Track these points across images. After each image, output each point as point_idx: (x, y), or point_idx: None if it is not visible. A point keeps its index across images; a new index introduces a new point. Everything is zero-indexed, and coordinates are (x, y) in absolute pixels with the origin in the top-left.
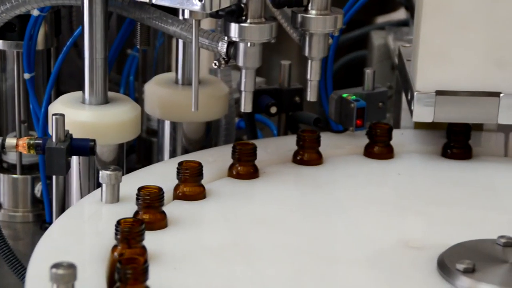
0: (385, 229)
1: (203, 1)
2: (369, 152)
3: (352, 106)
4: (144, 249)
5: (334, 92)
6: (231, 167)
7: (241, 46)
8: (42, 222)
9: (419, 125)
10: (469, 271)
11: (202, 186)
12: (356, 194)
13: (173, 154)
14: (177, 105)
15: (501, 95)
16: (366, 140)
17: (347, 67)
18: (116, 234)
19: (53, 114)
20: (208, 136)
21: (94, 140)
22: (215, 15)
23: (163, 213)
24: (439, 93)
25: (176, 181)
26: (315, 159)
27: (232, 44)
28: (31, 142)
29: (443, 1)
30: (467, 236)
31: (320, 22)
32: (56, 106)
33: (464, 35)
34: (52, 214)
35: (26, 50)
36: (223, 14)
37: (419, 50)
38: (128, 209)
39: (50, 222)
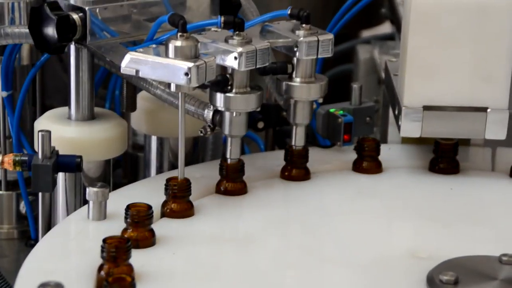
0: (374, 244)
1: (189, 76)
2: (357, 167)
3: (339, 121)
4: (130, 267)
5: (321, 107)
6: (218, 184)
7: (227, 115)
8: (27, 239)
9: (406, 140)
10: (450, 283)
11: (191, 203)
12: (345, 209)
13: (160, 170)
14: (164, 121)
15: (488, 110)
16: (353, 155)
17: (333, 80)
18: (102, 253)
19: (39, 130)
20: (195, 151)
21: (80, 157)
22: (200, 85)
23: (152, 231)
24: (426, 108)
25: (164, 197)
26: (303, 175)
27: (217, 112)
28: (17, 159)
29: (430, 16)
30: (455, 250)
31: (305, 90)
32: (42, 122)
33: (452, 51)
34: (38, 231)
35: (4, 68)
36: (209, 85)
37: (407, 65)
38: (115, 226)
39: (35, 239)
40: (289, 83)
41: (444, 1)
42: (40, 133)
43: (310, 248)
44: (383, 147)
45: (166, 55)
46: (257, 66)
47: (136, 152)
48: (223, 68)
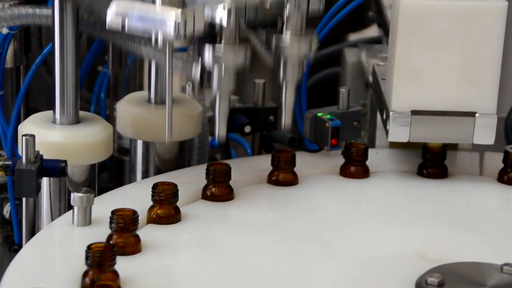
0: (362, 248)
1: (176, 24)
2: (345, 172)
3: (327, 125)
4: (116, 274)
5: (308, 111)
6: (205, 188)
7: (215, 68)
8: (10, 244)
9: (394, 144)
10: (435, 285)
11: (177, 208)
12: (332, 214)
13: (145, 174)
14: (150, 125)
15: (477, 115)
16: (341, 160)
17: (320, 84)
18: (86, 259)
19: (23, 135)
20: (181, 155)
21: (65, 161)
22: (188, 38)
23: (137, 236)
24: (414, 113)
25: (149, 203)
26: (291, 180)
27: (205, 68)
28: (0, 163)
29: (418, 21)
30: (444, 255)
31: (295, 44)
32: (26, 126)
33: (440, 55)
34: (22, 236)
35: None
36: (197, 38)
37: (394, 70)
38: (100, 232)
39: (19, 244)
40: (279, 37)
41: (432, 6)
42: (24, 138)
43: (297, 253)
44: (370, 152)
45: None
46: (246, 18)
47: (122, 156)
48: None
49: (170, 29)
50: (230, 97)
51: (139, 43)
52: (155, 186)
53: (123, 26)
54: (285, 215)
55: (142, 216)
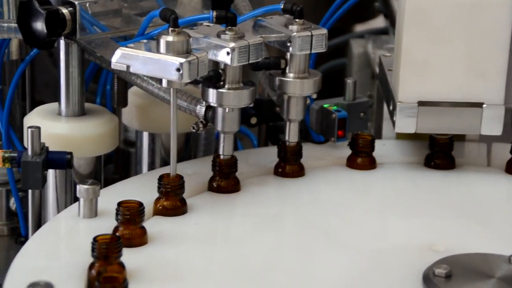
0: (369, 239)
1: (181, 71)
2: (351, 163)
3: (333, 116)
4: (122, 265)
5: (315, 103)
6: (211, 180)
7: (219, 111)
8: (17, 236)
9: (401, 135)
10: (442, 276)
11: (184, 200)
12: (339, 206)
13: (151, 166)
14: (156, 116)
15: (484, 105)
16: (348, 151)
17: (326, 75)
18: (92, 251)
19: (29, 127)
20: (187, 147)
21: (71, 153)
22: (193, 81)
23: (143, 228)
24: (421, 104)
25: (155, 195)
26: (297, 171)
27: (210, 108)
28: (6, 155)
29: (424, 12)
30: (451, 246)
31: (298, 85)
32: (32, 118)
33: (446, 46)
34: (28, 228)
35: None
36: (201, 80)
37: (401, 61)
38: (106, 224)
39: (26, 236)
40: (283, 78)
41: None
42: (29, 130)
43: (303, 245)
44: (377, 143)
45: (158, 51)
46: (250, 62)
47: (128, 148)
48: (216, 64)
49: (174, 76)
50: (234, 136)
51: (144, 81)
52: (161, 178)
53: (127, 69)
54: (291, 207)
55: (148, 207)
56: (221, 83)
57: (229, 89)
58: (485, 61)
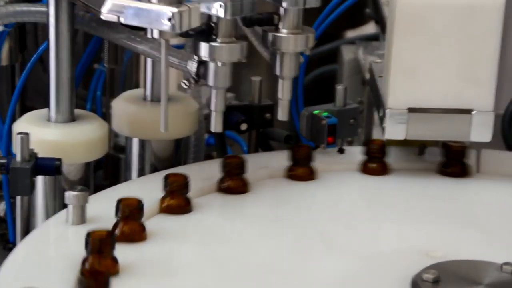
0: (363, 244)
1: (172, 21)
2: (364, 168)
3: (323, 123)
4: (115, 259)
5: (305, 109)
6: (220, 181)
7: (211, 65)
8: (5, 242)
9: (391, 142)
10: (429, 281)
11: (188, 199)
12: (350, 211)
13: (141, 172)
14: (146, 123)
15: (473, 112)
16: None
17: (317, 81)
18: (86, 246)
19: (18, 133)
20: (177, 153)
21: (60, 159)
22: (184, 34)
23: (142, 225)
24: (411, 110)
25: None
26: (308, 175)
27: (202, 64)
28: None
29: (415, 18)
30: (449, 252)
31: (291, 41)
32: (21, 124)
33: (436, 52)
34: (16, 234)
35: None
36: (193, 34)
37: (391, 67)
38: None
39: (14, 242)
40: (276, 34)
41: (429, 3)
42: (19, 136)
43: (301, 248)
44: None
45: (149, 1)
46: (243, 15)
47: (118, 154)
48: (208, 17)
49: (166, 26)
50: (225, 94)
51: (135, 41)
52: (167, 178)
53: (118, 19)
54: (288, 210)
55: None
56: (213, 36)
57: (221, 42)
58: (475, 67)
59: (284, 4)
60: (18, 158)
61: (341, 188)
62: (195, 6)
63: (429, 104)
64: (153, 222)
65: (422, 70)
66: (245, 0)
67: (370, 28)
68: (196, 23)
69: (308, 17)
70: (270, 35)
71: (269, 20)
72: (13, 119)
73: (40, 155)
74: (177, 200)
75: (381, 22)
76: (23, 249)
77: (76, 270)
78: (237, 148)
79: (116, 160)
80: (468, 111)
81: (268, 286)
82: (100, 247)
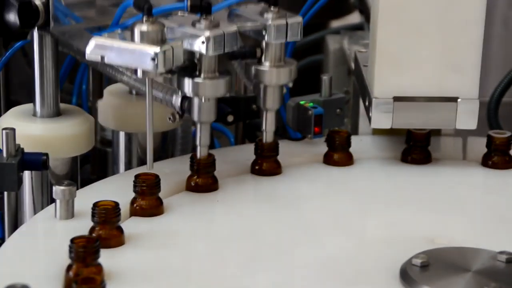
0: (348, 236)
1: (156, 61)
2: (328, 160)
3: (309, 113)
4: (100, 267)
5: (291, 99)
6: (189, 179)
7: (196, 101)
8: None
9: (377, 131)
10: (418, 265)
11: (160, 200)
12: (316, 202)
13: (128, 166)
14: (132, 116)
15: (459, 100)
16: (325, 147)
17: (302, 71)
18: (70, 253)
19: (3, 128)
20: (164, 146)
21: (46, 154)
22: (168, 71)
23: (120, 228)
24: (396, 99)
25: (132, 195)
26: (274, 168)
27: (186, 98)
28: None
29: (398, 7)
30: (428, 240)
31: (274, 74)
32: (7, 120)
33: (420, 41)
34: (4, 230)
35: None
36: (177, 70)
37: (376, 57)
38: (83, 225)
39: (2, 238)
40: (258, 67)
41: None
42: (4, 131)
43: (284, 243)
44: (354, 139)
45: (132, 40)
46: (226, 51)
47: (105, 148)
48: (191, 54)
49: (149, 66)
50: (211, 128)
51: (118, 71)
52: (137, 177)
53: (102, 59)
54: (270, 205)
55: (126, 208)
56: (197, 73)
57: (205, 78)
58: (459, 55)
59: (266, 38)
60: (4, 153)
61: (308, 181)
62: (177, 44)
63: (415, 92)
64: (126, 225)
65: (407, 59)
66: (227, 35)
67: (354, 17)
68: (179, 61)
69: (293, 7)
70: (253, 69)
71: (252, 54)
72: None
73: (26, 150)
74: (149, 201)
75: (365, 12)
76: (11, 244)
77: (64, 265)
78: (224, 140)
79: (104, 154)
80: (453, 99)
81: (257, 283)
82: (84, 255)
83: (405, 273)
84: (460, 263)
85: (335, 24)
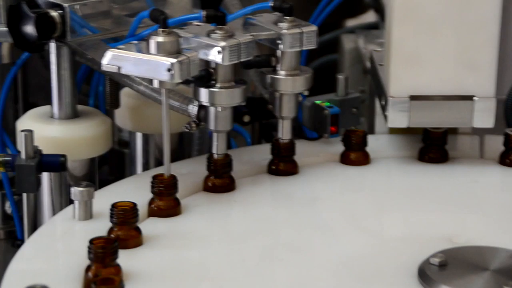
0: (366, 236)
1: (172, 71)
2: (345, 159)
3: (325, 112)
4: (118, 267)
5: (307, 99)
6: (206, 179)
7: (212, 110)
8: (13, 239)
9: (394, 130)
10: (436, 264)
11: (177, 200)
12: (334, 202)
13: (146, 167)
14: (149, 117)
15: (475, 98)
16: (341, 147)
17: (318, 71)
18: (89, 254)
19: (22, 130)
20: (181, 147)
21: (64, 156)
22: (184, 81)
23: (138, 229)
24: (413, 98)
25: (150, 195)
26: (291, 168)
27: (202, 107)
28: (0, 159)
29: (414, 5)
30: (446, 239)
31: (290, 83)
32: (25, 121)
33: (436, 39)
34: (24, 231)
35: None
36: (193, 80)
37: (392, 55)
38: (101, 226)
39: (22, 239)
40: (274, 76)
41: None
42: (22, 133)
43: (302, 243)
44: (370, 138)
45: (148, 51)
46: (241, 60)
47: (122, 149)
48: (207, 63)
49: (165, 76)
50: (228, 135)
51: (135, 81)
52: (154, 178)
53: (118, 70)
54: (287, 204)
55: (144, 208)
56: (213, 82)
57: (220, 88)
58: (475, 53)
59: (281, 47)
60: (23, 155)
61: (325, 181)
62: (193, 54)
63: (431, 91)
64: (144, 225)
65: (423, 58)
66: (243, 45)
67: (369, 16)
68: (195, 71)
69: (308, 7)
70: (268, 77)
71: (267, 63)
72: (16, 116)
73: (44, 152)
74: (166, 202)
75: (380, 11)
76: (31, 245)
77: (83, 266)
78: (240, 140)
79: (121, 155)
80: (469, 97)
81: (276, 282)
82: (103, 255)
83: (423, 273)
84: (478, 262)
85: (350, 23)
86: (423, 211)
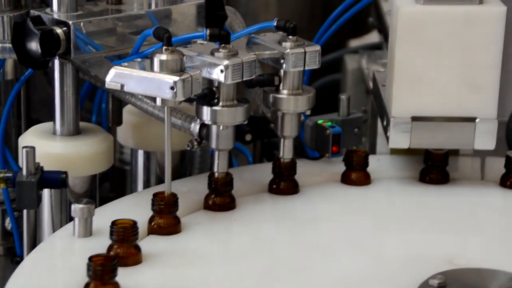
0: (364, 254)
1: (174, 89)
2: (346, 179)
3: (327, 132)
4: (117, 285)
5: (309, 119)
6: (207, 198)
7: (214, 128)
8: (13, 256)
9: (395, 150)
10: (435, 286)
11: (178, 218)
12: (334, 222)
13: (147, 184)
14: (151, 135)
15: (477, 120)
16: (342, 167)
17: (320, 91)
18: (88, 271)
19: (24, 147)
20: (182, 165)
21: (66, 172)
22: (187, 99)
23: (138, 247)
24: (415, 119)
25: (151, 213)
26: (291, 188)
27: (204, 125)
28: (1, 175)
29: (417, 27)
30: (446, 260)
31: (292, 102)
32: (27, 138)
33: (439, 61)
34: (23, 248)
35: None
36: (195, 98)
37: (394, 76)
38: (101, 243)
39: (21, 256)
40: (276, 95)
41: (431, 11)
42: (24, 149)
43: (302, 263)
44: (372, 158)
45: (152, 69)
46: (244, 79)
47: (123, 166)
48: (210, 81)
49: (168, 94)
50: (229, 153)
51: (138, 100)
52: (155, 196)
53: (122, 88)
54: (287, 224)
55: (144, 226)
56: (215, 100)
57: (223, 106)
58: (477, 75)
59: (284, 66)
60: (24, 172)
61: (326, 200)
62: (196, 73)
63: (433, 112)
64: (144, 243)
65: (425, 79)
66: (246, 64)
67: (373, 37)
68: (197, 89)
69: (312, 26)
70: (271, 96)
71: (270, 82)
72: (19, 133)
73: (45, 168)
74: (167, 220)
75: (384, 31)
76: (30, 261)
77: (82, 283)
78: (242, 159)
79: (122, 172)
80: (471, 119)
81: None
82: (102, 273)
83: None
84: (477, 284)
85: (354, 43)
86: (423, 232)
